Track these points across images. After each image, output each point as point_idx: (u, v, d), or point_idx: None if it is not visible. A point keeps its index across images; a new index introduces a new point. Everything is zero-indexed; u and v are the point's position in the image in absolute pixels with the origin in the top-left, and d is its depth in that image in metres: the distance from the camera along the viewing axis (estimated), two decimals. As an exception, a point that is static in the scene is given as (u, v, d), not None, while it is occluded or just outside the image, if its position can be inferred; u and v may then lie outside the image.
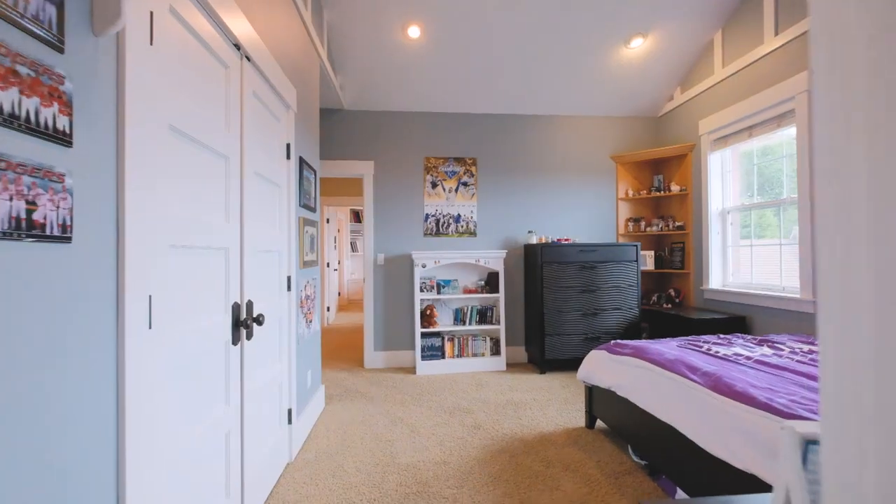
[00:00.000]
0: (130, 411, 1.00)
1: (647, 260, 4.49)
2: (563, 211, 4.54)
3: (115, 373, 0.97)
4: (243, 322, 1.65)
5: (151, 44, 1.09)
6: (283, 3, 2.29)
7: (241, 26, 1.64)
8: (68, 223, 0.83)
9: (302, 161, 2.64)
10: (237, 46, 1.66)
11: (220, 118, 1.53)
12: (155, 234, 1.10)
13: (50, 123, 0.78)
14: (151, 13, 1.09)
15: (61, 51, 0.82)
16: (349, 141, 4.30)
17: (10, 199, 0.70)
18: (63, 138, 0.82)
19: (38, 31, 0.76)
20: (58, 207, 0.80)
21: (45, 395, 0.78)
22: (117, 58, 0.98)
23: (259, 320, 1.70)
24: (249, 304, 1.73)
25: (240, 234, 1.68)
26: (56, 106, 0.80)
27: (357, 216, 10.48)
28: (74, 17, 0.85)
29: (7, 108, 0.70)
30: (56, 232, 0.80)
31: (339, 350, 5.11)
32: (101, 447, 0.92)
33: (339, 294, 9.28)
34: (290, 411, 2.31)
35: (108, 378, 0.94)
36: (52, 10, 0.79)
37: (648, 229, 4.52)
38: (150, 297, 1.07)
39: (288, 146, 2.34)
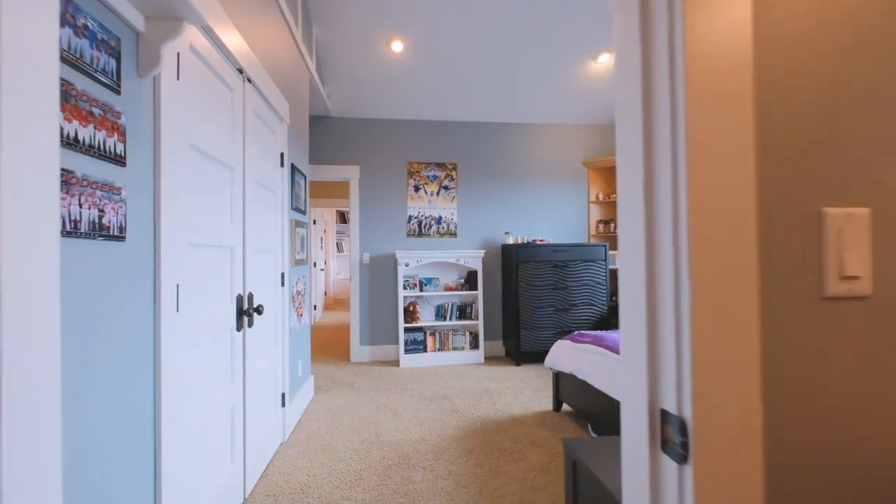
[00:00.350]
0: (165, 375, 1.23)
1: (616, 259, 4.83)
2: (538, 213, 4.85)
3: (153, 343, 1.21)
4: (246, 311, 1.89)
5: (178, 79, 1.33)
6: (276, 24, 2.52)
7: (243, 52, 1.87)
8: (124, 226, 1.07)
9: (294, 168, 2.87)
10: (240, 71, 1.90)
11: (227, 134, 1.77)
12: (180, 234, 1.34)
13: (112, 149, 1.02)
14: (178, 54, 1.33)
15: (118, 93, 1.06)
16: (336, 146, 4.53)
17: (90, 208, 0.94)
18: (120, 160, 1.06)
19: (106, 81, 1.00)
20: (117, 214, 1.04)
21: (109, 350, 1.02)
22: (154, 93, 1.22)
23: (259, 310, 1.94)
24: (251, 296, 1.97)
25: (242, 234, 1.91)
26: (116, 136, 1.04)
27: (343, 217, 10.65)
28: (127, 65, 1.09)
29: (88, 140, 0.94)
30: (116, 233, 1.04)
31: (327, 346, 5.32)
32: (143, 400, 1.16)
33: (326, 293, 9.44)
34: (283, 395, 2.54)
35: (148, 346, 1.18)
36: (113, 63, 1.03)
37: (618, 231, 4.87)
38: (177, 285, 1.31)
39: (282, 155, 2.57)
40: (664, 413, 0.52)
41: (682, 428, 0.49)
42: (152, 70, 1.15)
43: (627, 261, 0.59)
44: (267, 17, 2.33)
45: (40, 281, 0.47)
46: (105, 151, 1.00)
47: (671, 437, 0.51)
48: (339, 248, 11.02)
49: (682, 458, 0.49)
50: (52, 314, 0.50)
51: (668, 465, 0.51)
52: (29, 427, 0.45)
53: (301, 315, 3.07)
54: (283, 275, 2.57)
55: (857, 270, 0.51)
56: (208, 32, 1.52)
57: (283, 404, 2.54)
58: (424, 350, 4.39)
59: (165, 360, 1.24)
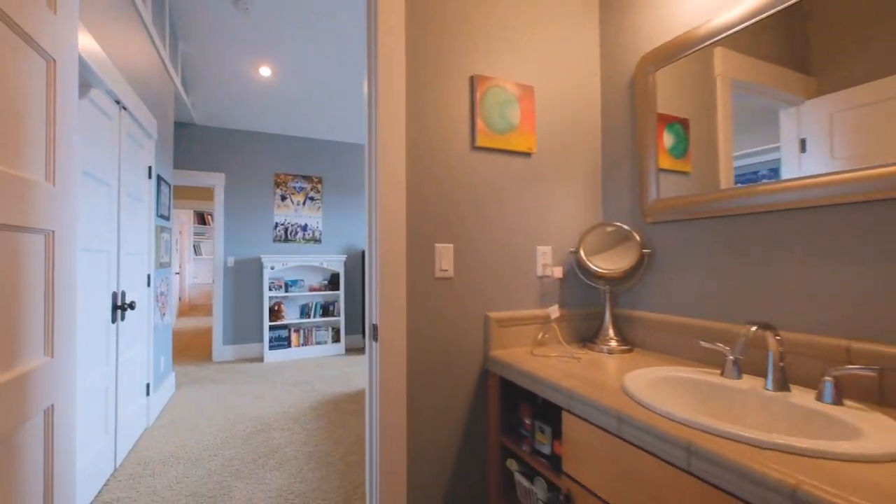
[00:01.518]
0: (64, 352, 1.62)
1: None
2: (395, 224, 5.66)
3: (57, 327, 1.59)
4: (120, 306, 2.22)
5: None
6: (145, 46, 2.80)
7: (119, 84, 2.21)
8: (43, 238, 1.47)
9: (159, 178, 3.13)
10: (117, 101, 2.24)
11: (107, 157, 2.11)
12: (76, 240, 1.72)
13: (38, 184, 1.44)
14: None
15: (41, 141, 1.46)
16: (200, 153, 4.67)
17: (27, 226, 1.36)
18: (42, 190, 1.46)
19: (36, 135, 1.42)
20: (39, 229, 1.45)
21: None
22: (61, 136, 1.61)
23: (132, 306, 2.28)
24: (123, 294, 2.30)
25: (117, 240, 2.25)
26: (40, 173, 1.45)
27: (202, 218, 10.05)
28: (46, 120, 1.50)
29: (26, 180, 1.36)
30: (39, 243, 1.44)
31: (185, 349, 5.30)
32: (50, 370, 1.55)
33: (181, 299, 8.85)
34: (147, 385, 2.81)
35: (53, 330, 1.57)
36: (39, 121, 1.45)
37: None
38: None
39: (150, 168, 2.86)
40: (374, 325, 1.29)
41: (376, 328, 1.26)
42: (64, 122, 1.56)
43: (368, 259, 1.35)
44: (137, 42, 2.62)
45: (71, 276, 1.02)
46: (34, 185, 1.41)
47: (374, 333, 1.28)
48: (196, 250, 10.33)
49: (375, 339, 1.26)
50: (74, 302, 1.04)
51: (374, 344, 1.28)
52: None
53: (164, 314, 3.30)
54: (149, 276, 2.84)
55: (447, 267, 1.36)
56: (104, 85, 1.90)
57: (148, 393, 2.82)
58: (289, 345, 4.82)
59: (66, 339, 1.63)
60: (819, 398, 0.87)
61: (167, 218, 3.40)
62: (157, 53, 3.04)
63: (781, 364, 0.94)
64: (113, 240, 2.19)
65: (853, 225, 0.94)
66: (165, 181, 3.33)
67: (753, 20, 1.13)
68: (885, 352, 0.87)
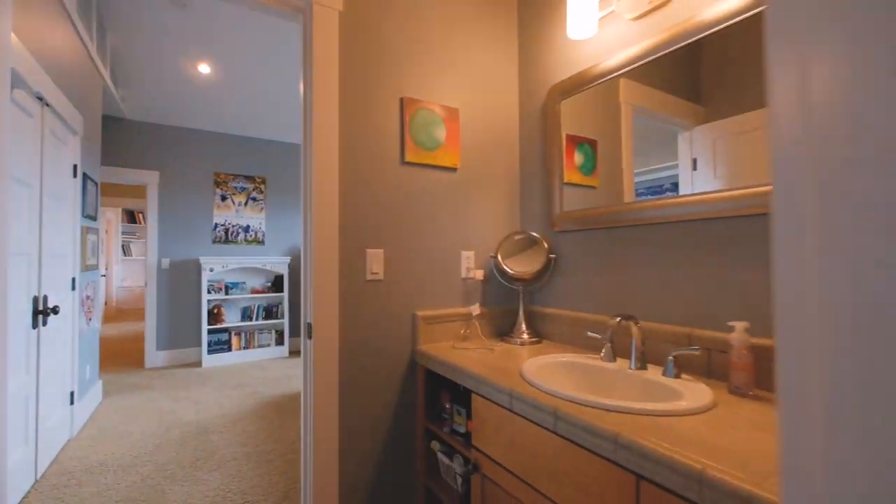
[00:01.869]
0: (-19, 358, 1.57)
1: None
2: (342, 226, 5.69)
3: (-26, 333, 1.55)
4: (42, 311, 2.14)
5: None
6: (69, 37, 2.67)
7: (41, 79, 2.12)
8: (-40, 241, 1.43)
9: (85, 176, 2.99)
10: (40, 98, 2.15)
11: (29, 157, 2.03)
12: (7, 247, 1.67)
13: (-46, 186, 1.40)
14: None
15: (-43, 143, 1.43)
16: (131, 149, 4.45)
17: (-58, 230, 1.33)
18: (-42, 193, 1.43)
19: (-48, 137, 1.39)
20: (-45, 233, 1.41)
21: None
22: (-21, 137, 1.56)
23: (56, 310, 2.20)
24: (45, 298, 2.21)
25: (39, 242, 2.16)
26: (-44, 175, 1.41)
27: (132, 216, 9.39)
28: (-37, 121, 1.46)
29: (-58, 183, 1.33)
30: (-45, 246, 1.41)
31: (114, 356, 4.99)
32: (-35, 377, 1.50)
33: (106, 303, 8.23)
34: (72, 394, 2.69)
35: (-30, 336, 1.53)
36: (-45, 122, 1.41)
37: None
38: (-8, 287, 1.64)
39: (75, 167, 2.73)
40: (308, 324, 1.40)
41: (311, 327, 1.37)
42: (-17, 123, 1.52)
43: (304, 262, 1.45)
44: (61, 33, 2.50)
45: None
46: (-50, 188, 1.38)
47: (309, 331, 1.39)
48: (125, 250, 9.63)
49: (310, 337, 1.37)
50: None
51: (308, 341, 1.39)
52: None
53: (90, 319, 3.15)
54: (73, 279, 2.72)
55: (377, 270, 1.49)
56: (24, 82, 1.84)
57: (72, 402, 2.69)
58: (229, 349, 4.70)
59: (-16, 345, 1.58)
60: (664, 373, 1.11)
61: (94, 218, 3.24)
62: (83, 45, 2.91)
63: (642, 348, 1.18)
64: (34, 242, 2.11)
65: (693, 237, 1.20)
66: (92, 179, 3.17)
67: (636, 64, 1.37)
68: (712, 336, 1.12)
